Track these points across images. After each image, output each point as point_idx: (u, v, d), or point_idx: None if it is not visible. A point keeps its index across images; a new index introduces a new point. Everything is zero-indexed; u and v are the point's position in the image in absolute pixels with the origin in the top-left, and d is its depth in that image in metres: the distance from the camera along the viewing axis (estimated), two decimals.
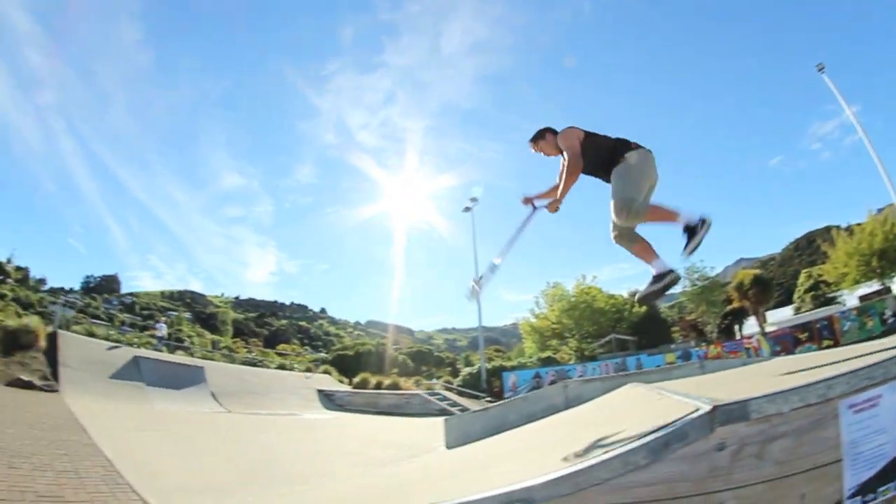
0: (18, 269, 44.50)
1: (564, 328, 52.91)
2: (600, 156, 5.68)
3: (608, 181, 5.61)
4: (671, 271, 5.57)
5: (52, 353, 19.03)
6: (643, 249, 5.71)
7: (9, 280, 41.93)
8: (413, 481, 5.85)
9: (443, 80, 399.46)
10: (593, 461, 2.65)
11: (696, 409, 2.66)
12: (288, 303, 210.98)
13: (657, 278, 5.61)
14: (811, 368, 4.46)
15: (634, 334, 50.81)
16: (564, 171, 5.77)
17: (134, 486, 6.85)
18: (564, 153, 5.79)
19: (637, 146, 5.60)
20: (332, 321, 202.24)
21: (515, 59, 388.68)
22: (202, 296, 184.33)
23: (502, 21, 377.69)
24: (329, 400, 27.86)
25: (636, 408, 4.54)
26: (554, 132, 6.06)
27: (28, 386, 15.75)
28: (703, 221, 5.36)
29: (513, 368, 42.21)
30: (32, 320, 21.02)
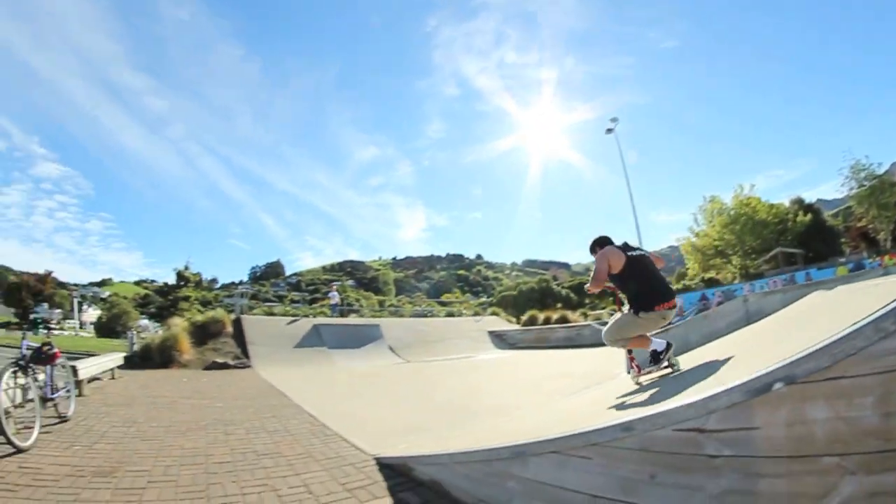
0: (194, 274, 48.15)
1: (727, 244, 50.70)
2: (629, 288, 6.56)
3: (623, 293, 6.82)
4: (669, 345, 6.47)
5: (239, 336, 20.80)
6: (636, 344, 6.60)
7: (189, 284, 45.13)
8: (614, 401, 5.83)
9: (547, 4, 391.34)
10: (847, 331, 2.60)
11: None
12: (443, 255, 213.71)
13: (654, 356, 6.52)
14: None
15: (800, 247, 47.93)
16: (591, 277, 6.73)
17: (343, 436, 7.15)
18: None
19: (660, 307, 6.22)
20: (489, 265, 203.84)
21: None
22: (361, 262, 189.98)
23: None
24: (500, 340, 28.01)
25: (844, 303, 4.36)
26: (600, 245, 6.93)
27: (223, 367, 17.27)
28: (668, 346, 6.46)
29: (678, 292, 41.44)
30: (218, 312, 23.09)
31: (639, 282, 6.40)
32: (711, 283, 45.01)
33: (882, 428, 2.52)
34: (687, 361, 6.50)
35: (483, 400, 10.62)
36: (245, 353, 19.17)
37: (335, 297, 35.66)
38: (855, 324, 2.60)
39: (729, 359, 5.02)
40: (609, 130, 42.26)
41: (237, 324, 21.82)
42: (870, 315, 2.59)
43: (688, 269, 56.18)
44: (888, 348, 2.50)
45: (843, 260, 42.60)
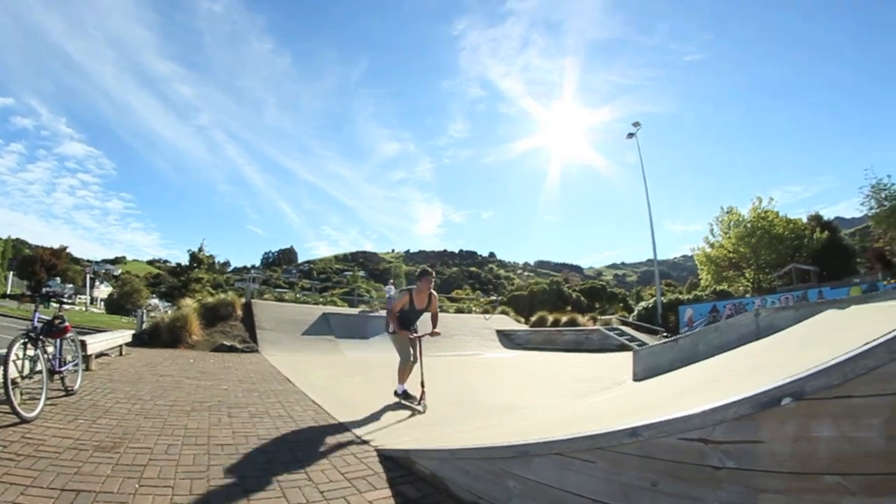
0: (207, 256, 48.59)
1: (741, 257, 50.54)
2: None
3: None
4: (405, 395, 9.37)
5: (248, 320, 21.10)
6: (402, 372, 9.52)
7: (202, 266, 45.48)
8: (621, 408, 5.83)
9: (573, 14, 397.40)
10: (859, 350, 2.60)
11: None
12: (456, 251, 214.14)
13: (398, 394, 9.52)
14: None
15: (815, 264, 46.62)
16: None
17: (346, 425, 7.18)
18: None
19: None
20: (502, 264, 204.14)
21: None
22: (374, 254, 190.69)
23: None
24: (508, 339, 28.14)
25: (857, 323, 4.35)
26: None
27: (231, 349, 17.53)
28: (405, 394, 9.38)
29: (689, 302, 41.32)
30: (229, 295, 23.59)
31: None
32: (723, 295, 44.73)
33: (887, 450, 2.52)
34: (696, 371, 6.48)
35: (490, 398, 10.72)
36: (253, 338, 19.34)
37: (391, 291, 36.13)
38: (867, 343, 2.59)
39: (739, 371, 5.02)
40: (631, 135, 42.32)
41: (247, 308, 22.08)
42: (882, 336, 2.58)
43: (700, 279, 55.94)
44: None
45: (857, 280, 41.53)
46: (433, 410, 8.64)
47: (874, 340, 2.60)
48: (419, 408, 8.75)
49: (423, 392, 9.05)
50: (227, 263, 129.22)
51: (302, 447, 5.98)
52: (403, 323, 9.40)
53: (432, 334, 9.72)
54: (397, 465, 5.40)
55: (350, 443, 6.25)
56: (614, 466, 3.45)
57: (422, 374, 9.16)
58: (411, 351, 9.47)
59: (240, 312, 21.51)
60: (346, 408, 8.65)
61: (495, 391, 11.97)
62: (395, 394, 9.51)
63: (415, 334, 9.51)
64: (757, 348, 8.14)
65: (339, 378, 13.33)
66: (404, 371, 9.44)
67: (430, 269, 9.89)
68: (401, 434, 6.66)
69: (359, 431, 6.80)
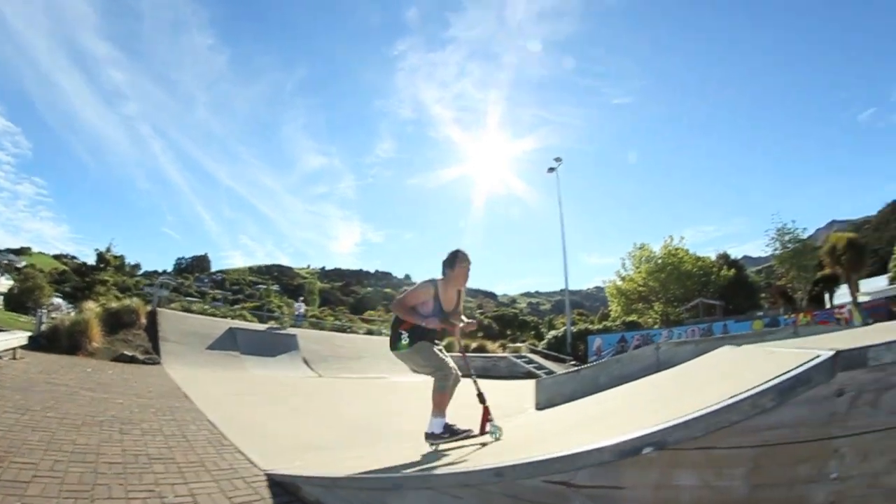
0: (116, 257, 47.03)
1: (651, 291, 52.26)
2: None
3: None
4: (453, 432, 6.54)
5: (152, 330, 20.33)
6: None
7: (109, 268, 44.08)
8: (517, 438, 5.91)
9: (513, 50, 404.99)
10: (724, 403, 2.72)
11: (818, 356, 2.67)
12: (372, 271, 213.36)
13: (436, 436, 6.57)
14: None
15: (721, 299, 49.30)
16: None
17: (239, 447, 7.07)
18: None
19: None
20: None
21: (584, 25, 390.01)
22: (289, 268, 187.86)
23: None
24: None
25: (741, 366, 4.50)
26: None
27: (132, 360, 16.90)
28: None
29: (598, 332, 42.00)
30: (133, 301, 22.71)
31: None
32: (632, 326, 45.68)
33: (750, 498, 2.62)
34: (594, 402, 6.60)
35: (391, 422, 10.68)
36: (156, 349, 18.75)
37: (301, 308, 35.73)
38: (734, 396, 2.70)
39: (632, 405, 5.14)
40: (551, 170, 42.92)
41: (152, 316, 21.37)
42: (749, 389, 2.69)
43: (611, 310, 57.09)
44: (764, 423, 2.63)
45: (760, 314, 44.47)
46: (332, 432, 8.58)
47: (742, 393, 2.71)
48: (489, 437, 6.24)
49: (486, 409, 6.52)
50: (137, 266, 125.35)
51: (192, 468, 5.89)
52: (421, 332, 6.44)
53: (467, 329, 7.15)
54: (285, 490, 5.36)
55: (241, 466, 6.17)
56: None
57: (476, 385, 6.77)
58: (447, 360, 6.65)
59: (144, 321, 20.77)
60: (242, 429, 8.46)
61: (397, 416, 11.92)
62: (432, 437, 6.52)
63: (454, 326, 6.85)
64: (658, 381, 8.31)
65: (241, 397, 13.13)
66: (444, 395, 6.58)
67: (465, 253, 6.75)
68: (294, 458, 6.60)
69: (252, 454, 6.70)
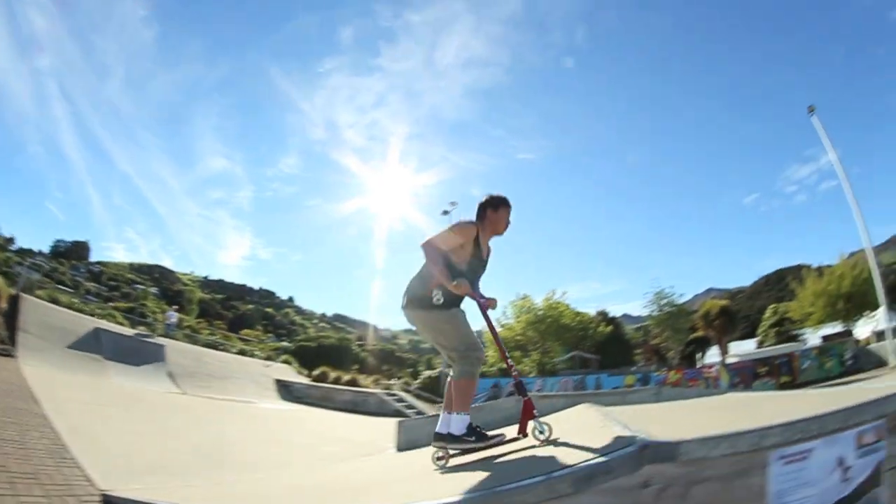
0: None
1: (528, 341, 53.14)
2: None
3: None
4: (480, 436, 5.02)
5: (12, 317, 18.76)
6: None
7: None
8: (365, 480, 5.89)
9: (434, 90, 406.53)
10: (521, 483, 2.71)
11: (627, 445, 2.71)
12: (257, 287, 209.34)
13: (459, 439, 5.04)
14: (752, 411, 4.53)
15: (598, 353, 51.41)
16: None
17: (79, 462, 6.76)
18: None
19: None
20: (299, 311, 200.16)
21: (508, 78, 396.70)
22: (171, 272, 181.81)
23: (499, 40, 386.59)
24: (287, 390, 27.71)
25: (579, 432, 4.55)
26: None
27: None
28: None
29: None
30: None
31: None
32: (507, 372, 46.21)
33: None
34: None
35: (249, 450, 10.46)
36: (12, 339, 17.30)
37: (173, 318, 34.82)
38: (534, 476, 2.73)
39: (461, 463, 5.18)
40: (445, 212, 43.19)
41: (14, 301, 19.88)
42: (546, 473, 2.73)
43: (488, 356, 57.48)
44: None
45: (633, 369, 47.50)
46: (182, 456, 8.34)
47: (538, 476, 2.75)
48: (534, 439, 4.70)
49: (528, 403, 5.03)
50: (11, 239, 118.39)
51: (24, 480, 5.64)
52: (452, 295, 5.06)
53: (489, 304, 5.52)
54: None
55: (77, 482, 5.94)
56: None
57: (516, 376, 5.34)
58: (479, 341, 5.31)
59: (5, 305, 19.22)
60: (88, 442, 8.09)
61: (258, 443, 11.74)
62: (449, 440, 5.03)
63: (483, 299, 5.43)
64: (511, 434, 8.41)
65: (95, 406, 12.53)
66: (472, 384, 5.15)
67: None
68: (136, 479, 6.40)
69: (92, 471, 6.42)
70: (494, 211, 5.36)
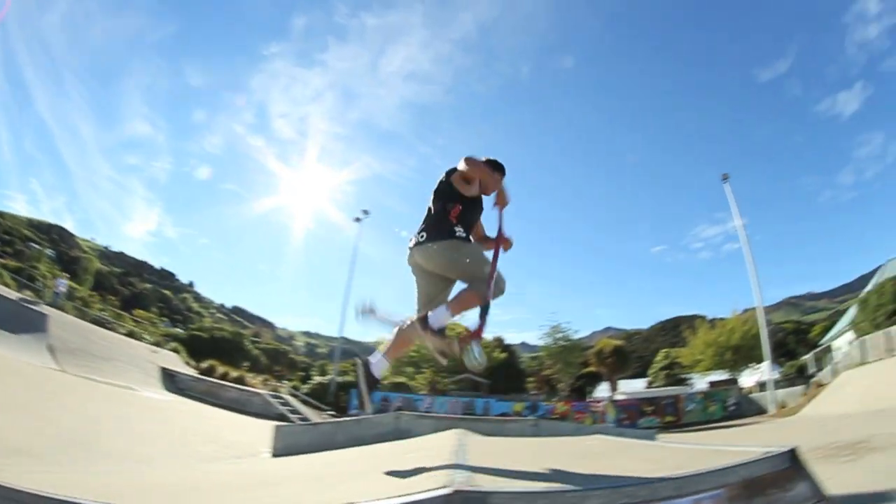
0: None
1: (422, 358, 52.80)
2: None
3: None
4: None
5: None
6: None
7: None
8: (229, 484, 5.87)
9: (372, 95, 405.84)
10: None
11: (441, 487, 2.69)
12: (157, 267, 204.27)
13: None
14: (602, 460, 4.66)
15: (490, 378, 52.45)
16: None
17: None
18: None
19: None
20: (198, 297, 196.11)
21: (447, 98, 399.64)
22: (72, 236, 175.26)
23: (446, 60, 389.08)
24: (171, 381, 26.93)
25: (429, 460, 4.64)
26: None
27: None
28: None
29: None
30: None
31: None
32: (400, 387, 46.41)
33: None
34: (321, 461, 6.59)
35: (117, 441, 9.89)
36: None
37: (62, 286, 33.80)
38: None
39: (346, 472, 5.25)
40: (357, 220, 43.30)
41: None
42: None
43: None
44: None
45: (523, 397, 49.27)
46: (48, 440, 8.00)
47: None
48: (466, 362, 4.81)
49: (480, 328, 4.88)
50: None
51: None
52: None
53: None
54: None
55: None
56: None
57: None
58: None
59: None
60: None
61: (127, 434, 11.16)
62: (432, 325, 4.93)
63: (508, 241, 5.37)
64: (380, 451, 8.51)
65: None
66: (474, 299, 4.93)
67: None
68: None
69: None
70: (494, 170, 5.21)
